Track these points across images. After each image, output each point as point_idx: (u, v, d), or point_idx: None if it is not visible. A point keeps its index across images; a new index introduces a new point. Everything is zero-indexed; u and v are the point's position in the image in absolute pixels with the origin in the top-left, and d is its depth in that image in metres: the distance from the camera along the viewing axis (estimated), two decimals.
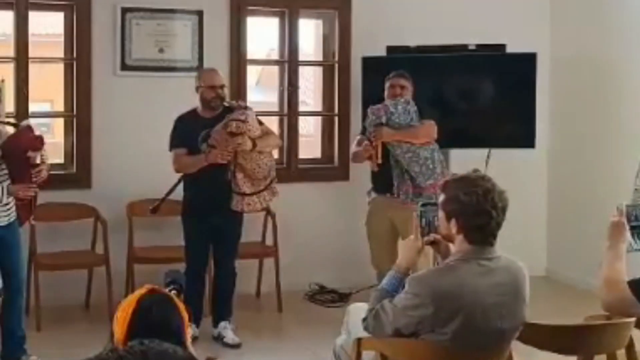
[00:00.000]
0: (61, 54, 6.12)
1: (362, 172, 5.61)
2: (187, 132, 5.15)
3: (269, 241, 6.10)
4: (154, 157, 5.68)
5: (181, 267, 4.96)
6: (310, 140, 7.24)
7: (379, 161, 5.23)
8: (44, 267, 5.45)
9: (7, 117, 5.30)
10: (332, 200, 6.54)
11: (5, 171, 4.44)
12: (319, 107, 6.86)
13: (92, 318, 5.67)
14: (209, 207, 5.09)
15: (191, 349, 1.97)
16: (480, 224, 2.96)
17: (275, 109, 6.61)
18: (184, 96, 5.45)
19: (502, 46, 6.28)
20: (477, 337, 2.97)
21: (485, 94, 6.26)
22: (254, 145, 5.03)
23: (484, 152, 6.14)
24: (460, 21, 6.51)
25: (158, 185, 5.32)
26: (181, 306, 2.13)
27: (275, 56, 6.82)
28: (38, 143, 4.47)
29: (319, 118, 6.85)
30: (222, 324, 5.26)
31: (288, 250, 6.06)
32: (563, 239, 6.84)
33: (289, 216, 6.12)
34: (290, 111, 6.53)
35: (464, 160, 5.27)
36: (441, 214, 3.09)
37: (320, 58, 6.84)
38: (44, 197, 4.89)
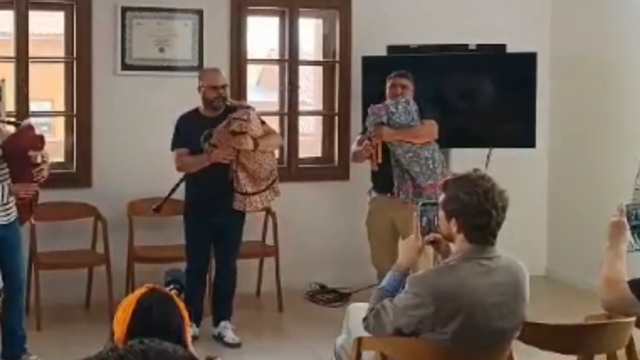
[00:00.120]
0: (61, 54, 6.12)
1: (362, 172, 5.61)
2: (189, 132, 5.15)
3: (269, 241, 6.10)
4: (154, 157, 5.69)
5: (181, 266, 4.97)
6: (310, 139, 7.23)
7: (379, 161, 5.23)
8: (44, 266, 5.45)
9: (8, 116, 5.30)
10: (332, 200, 6.53)
11: (6, 170, 4.43)
12: (319, 107, 6.86)
13: (92, 317, 5.66)
14: (211, 206, 5.09)
15: (191, 348, 1.98)
16: (480, 224, 2.96)
17: (276, 108, 6.61)
18: (184, 95, 5.46)
19: (502, 46, 6.28)
20: (478, 336, 2.97)
21: (485, 93, 6.25)
22: (256, 144, 5.02)
23: (484, 151, 6.14)
24: (461, 21, 6.51)
25: (158, 185, 5.33)
26: (181, 305, 2.14)
27: (275, 56, 6.82)
28: (39, 142, 4.46)
29: (319, 117, 6.85)
30: (223, 323, 5.26)
31: (288, 249, 6.06)
32: (563, 239, 6.84)
33: (289, 216, 6.11)
34: (290, 111, 6.53)
35: (464, 160, 5.26)
36: (441, 213, 3.09)
37: (320, 58, 6.84)
38: (45, 196, 4.89)
